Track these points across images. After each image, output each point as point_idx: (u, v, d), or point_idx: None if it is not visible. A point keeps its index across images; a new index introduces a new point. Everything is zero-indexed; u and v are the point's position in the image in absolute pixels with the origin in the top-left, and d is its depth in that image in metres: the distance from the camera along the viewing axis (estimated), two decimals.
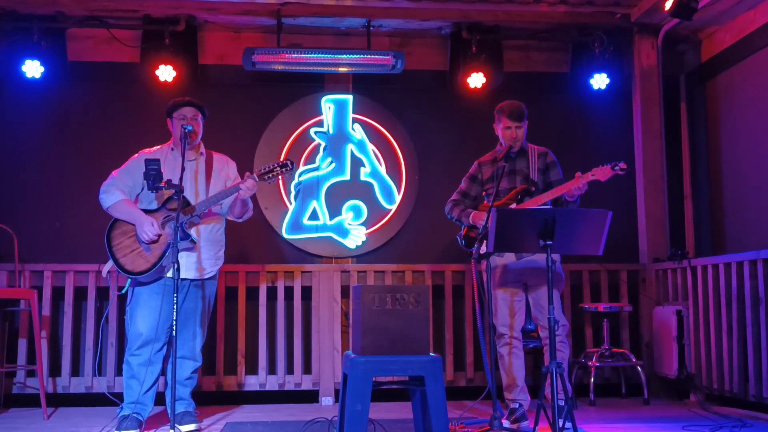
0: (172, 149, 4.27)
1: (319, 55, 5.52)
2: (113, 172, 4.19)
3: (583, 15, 5.69)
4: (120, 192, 4.11)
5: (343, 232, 5.75)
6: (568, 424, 3.37)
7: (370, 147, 5.85)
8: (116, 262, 4.04)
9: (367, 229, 5.78)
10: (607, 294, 5.62)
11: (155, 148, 4.33)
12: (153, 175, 3.86)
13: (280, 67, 5.54)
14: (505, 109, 4.27)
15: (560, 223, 3.44)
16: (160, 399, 4.32)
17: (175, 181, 3.88)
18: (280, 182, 5.70)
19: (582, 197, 4.15)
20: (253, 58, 5.44)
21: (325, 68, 5.62)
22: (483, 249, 4.06)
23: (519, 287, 4.26)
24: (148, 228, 3.97)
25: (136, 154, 4.25)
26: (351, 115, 5.85)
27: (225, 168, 4.33)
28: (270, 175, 4.10)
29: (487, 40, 5.67)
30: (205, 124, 4.33)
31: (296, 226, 5.73)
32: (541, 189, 4.24)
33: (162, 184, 3.86)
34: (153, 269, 3.98)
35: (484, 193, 4.45)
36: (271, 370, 5.40)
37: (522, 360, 4.24)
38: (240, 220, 4.34)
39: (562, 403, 3.38)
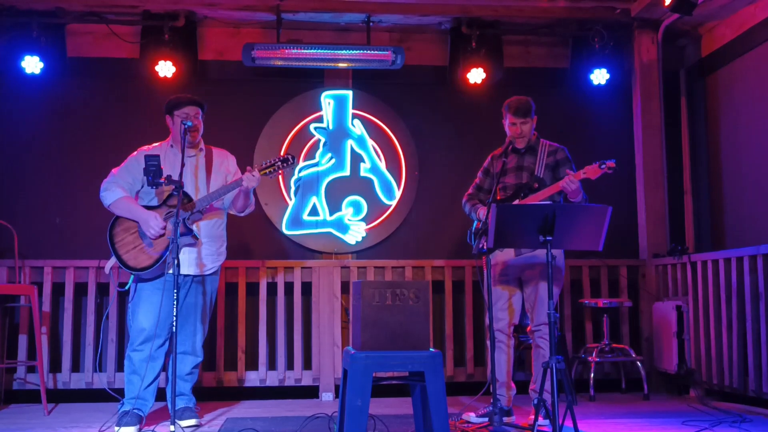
0: (172, 146, 4.26)
1: (319, 51, 5.52)
2: (113, 170, 4.19)
3: (582, 10, 5.69)
4: (120, 189, 4.11)
5: (343, 227, 5.75)
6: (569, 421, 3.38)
7: (370, 143, 5.84)
8: (119, 258, 4.04)
9: (367, 224, 5.78)
10: (607, 289, 5.62)
11: (154, 145, 4.32)
12: (153, 171, 3.85)
13: (279, 63, 5.54)
14: (511, 105, 4.26)
15: (560, 219, 3.43)
16: (160, 394, 4.33)
17: (175, 177, 3.87)
18: (280, 178, 5.70)
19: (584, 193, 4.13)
20: (252, 54, 5.44)
21: (325, 64, 5.63)
22: (483, 244, 4.05)
23: (516, 283, 4.25)
24: (154, 222, 3.97)
25: (135, 152, 4.24)
26: (351, 111, 5.85)
27: (225, 163, 4.32)
28: (271, 170, 4.10)
29: (487, 35, 5.66)
30: (205, 120, 4.32)
31: (296, 221, 5.73)
32: (547, 186, 4.18)
33: (162, 180, 3.86)
34: (156, 265, 3.98)
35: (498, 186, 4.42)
36: (271, 365, 5.41)
37: (505, 354, 4.20)
38: (242, 214, 4.34)
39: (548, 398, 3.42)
